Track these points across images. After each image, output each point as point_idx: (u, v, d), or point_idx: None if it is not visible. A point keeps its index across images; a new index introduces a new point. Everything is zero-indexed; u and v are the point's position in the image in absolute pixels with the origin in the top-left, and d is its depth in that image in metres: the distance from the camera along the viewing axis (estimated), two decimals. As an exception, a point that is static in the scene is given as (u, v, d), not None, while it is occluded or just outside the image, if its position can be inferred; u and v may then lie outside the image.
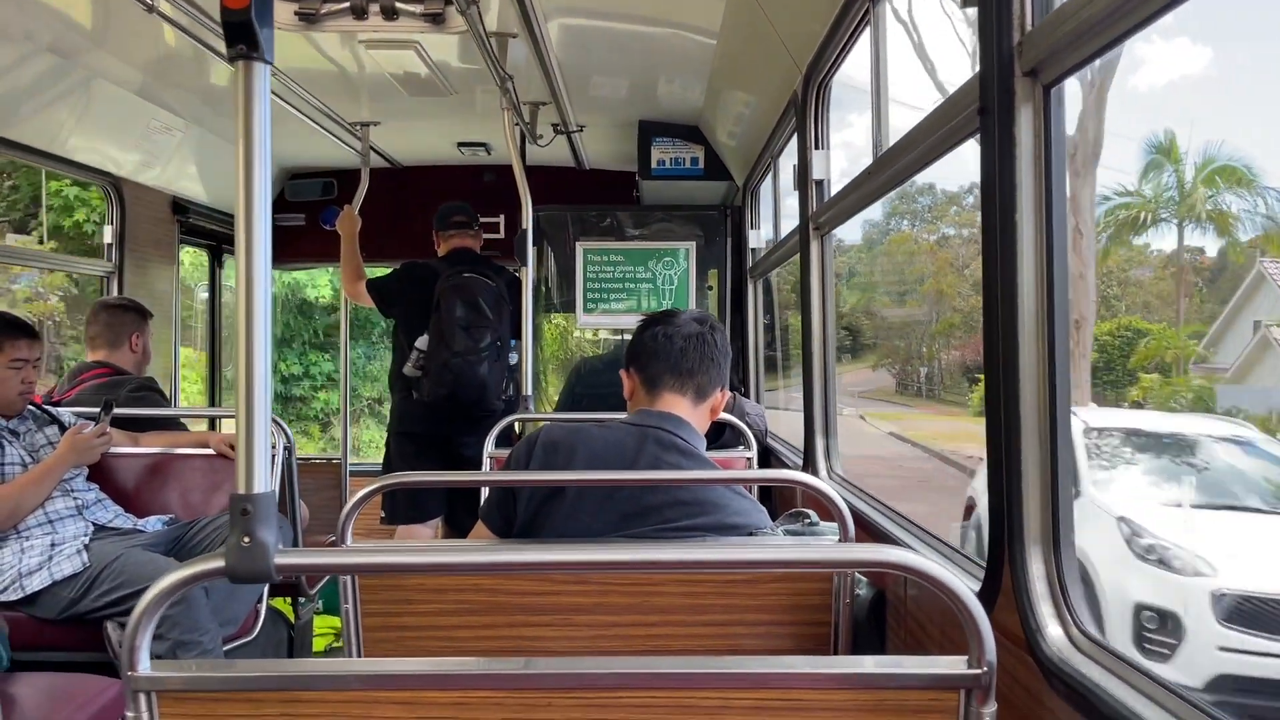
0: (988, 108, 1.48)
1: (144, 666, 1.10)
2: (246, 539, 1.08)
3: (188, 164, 4.96)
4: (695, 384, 1.97)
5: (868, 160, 2.41)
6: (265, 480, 1.10)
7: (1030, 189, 1.39)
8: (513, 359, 4.27)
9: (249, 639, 3.27)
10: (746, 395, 4.79)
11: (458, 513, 4.39)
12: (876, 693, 1.13)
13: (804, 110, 3.07)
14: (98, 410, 3.40)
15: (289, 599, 4.02)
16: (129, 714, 1.12)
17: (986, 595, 1.51)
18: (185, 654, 2.88)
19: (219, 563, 1.09)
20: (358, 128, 4.82)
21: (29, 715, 2.29)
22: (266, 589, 3.38)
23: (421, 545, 3.98)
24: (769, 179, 4.57)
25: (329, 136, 4.97)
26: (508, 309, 4.18)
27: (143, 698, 1.11)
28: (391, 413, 4.49)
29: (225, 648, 3.12)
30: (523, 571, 1.73)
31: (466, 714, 1.13)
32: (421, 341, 4.18)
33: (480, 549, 1.20)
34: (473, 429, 4.12)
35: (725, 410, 3.38)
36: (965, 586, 1.09)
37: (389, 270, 4.62)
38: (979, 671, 1.09)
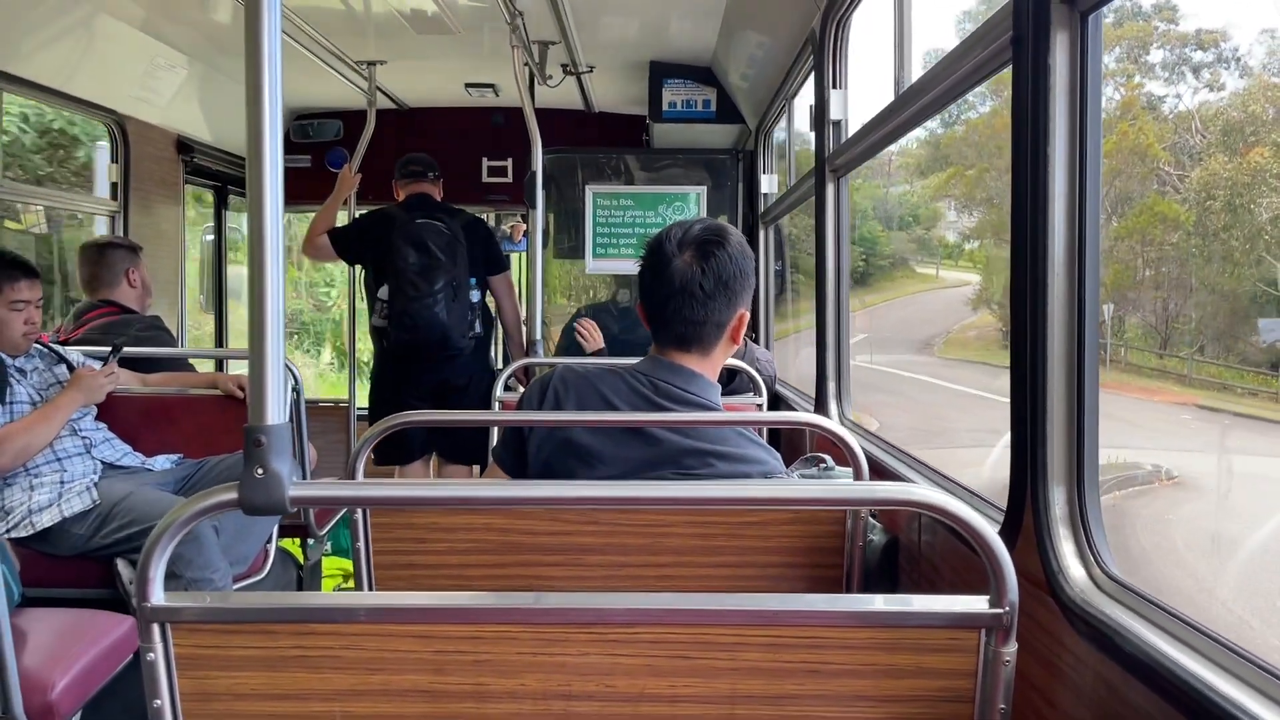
0: (1021, 36, 1.43)
1: (158, 597, 1.09)
2: (260, 470, 1.07)
3: (192, 102, 4.90)
4: (697, 339, 1.85)
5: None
6: (279, 412, 1.08)
7: (1064, 123, 1.35)
8: (474, 297, 4.29)
9: (259, 578, 3.29)
10: (757, 342, 4.75)
11: (453, 450, 4.46)
12: (895, 631, 1.12)
13: (822, 48, 3.01)
14: (106, 351, 3.40)
15: (298, 540, 4.04)
16: (142, 644, 1.11)
17: (1007, 535, 1.49)
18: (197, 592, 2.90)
19: (232, 494, 1.08)
20: (364, 67, 4.75)
21: (41, 650, 2.30)
22: (276, 529, 3.39)
23: (436, 481, 4.02)
24: (782, 122, 4.50)
25: (336, 76, 4.90)
26: (462, 250, 4.20)
27: (155, 628, 1.10)
28: (374, 360, 4.53)
29: (235, 587, 3.14)
30: (536, 506, 1.72)
31: (482, 647, 1.13)
32: (383, 292, 4.22)
33: (497, 485, 1.19)
34: (448, 364, 4.23)
35: (736, 357, 3.36)
36: (988, 526, 1.07)
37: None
38: (1000, 611, 1.07)
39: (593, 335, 3.99)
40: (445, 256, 4.13)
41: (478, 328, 4.31)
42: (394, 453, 4.38)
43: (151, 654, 1.10)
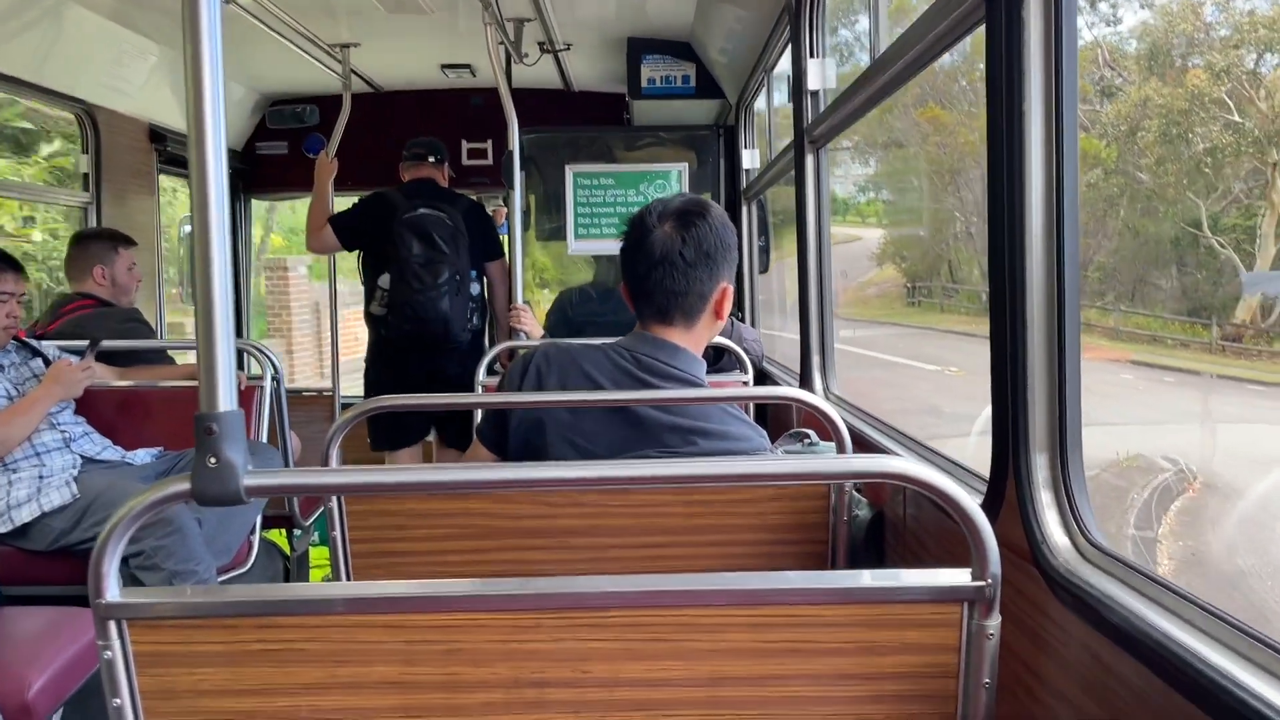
0: None
1: (112, 593, 1.06)
2: (213, 460, 1.03)
3: (163, 90, 4.82)
4: (680, 311, 1.82)
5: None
6: (230, 399, 1.04)
7: (1040, 81, 1.31)
8: (474, 290, 4.30)
9: (243, 570, 3.27)
10: (743, 320, 4.72)
11: (447, 433, 4.47)
12: (877, 607, 1.09)
13: (798, 16, 2.96)
14: (83, 345, 3.36)
15: (284, 531, 4.01)
16: (99, 642, 1.07)
17: (990, 507, 1.46)
18: (181, 584, 2.87)
19: (185, 485, 1.04)
20: (337, 50, 4.68)
21: (18, 649, 2.27)
22: (259, 519, 3.36)
23: (401, 466, 4.01)
24: (763, 96, 4.45)
25: (309, 60, 4.83)
26: (464, 242, 4.19)
27: (112, 625, 1.06)
28: (368, 345, 4.50)
29: (220, 579, 3.12)
30: (508, 489, 1.69)
31: (451, 636, 1.09)
32: (384, 280, 4.21)
33: (464, 468, 1.15)
34: (445, 355, 4.23)
35: (723, 336, 3.32)
36: (968, 496, 1.05)
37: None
38: (982, 584, 1.05)
39: (529, 323, 3.90)
40: (449, 249, 4.12)
41: (475, 320, 4.31)
42: (391, 437, 4.39)
43: (109, 652, 1.07)
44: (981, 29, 1.44)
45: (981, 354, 1.37)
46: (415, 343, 4.18)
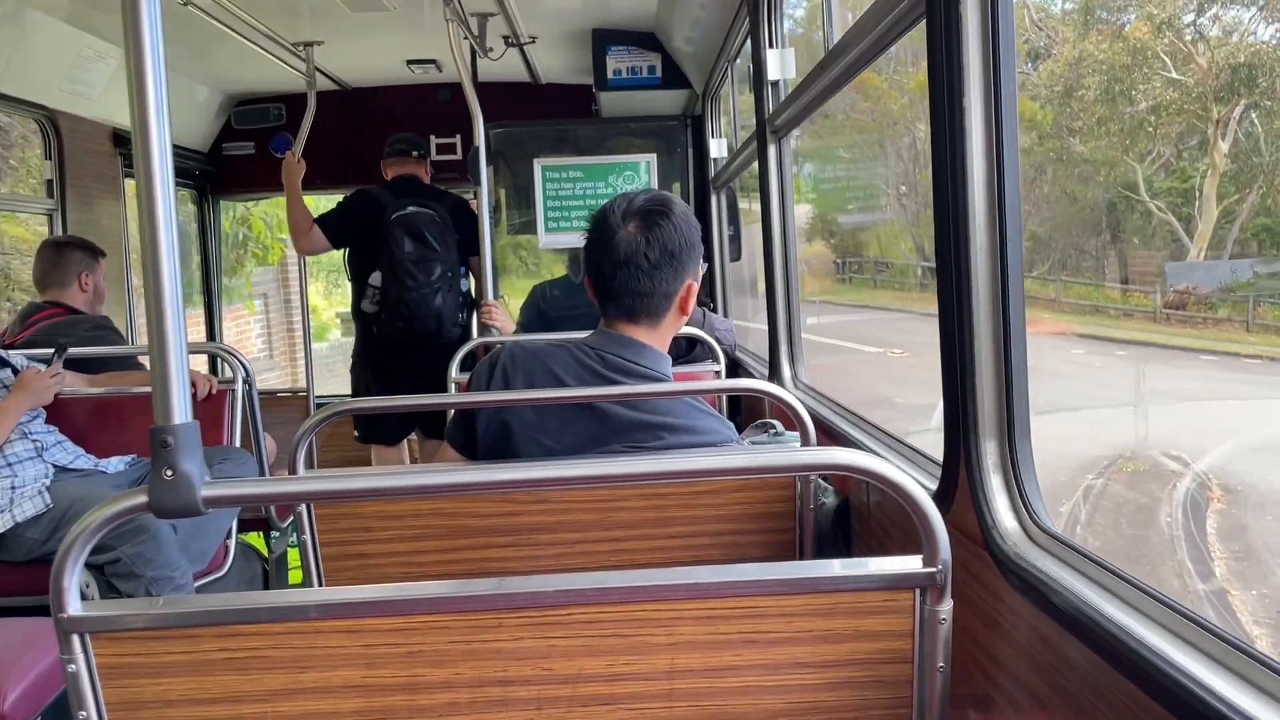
0: None
1: (74, 607, 1.07)
2: (169, 472, 1.03)
3: (125, 93, 4.78)
4: (644, 310, 1.82)
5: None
6: (185, 410, 1.05)
7: (978, 70, 1.33)
8: (464, 285, 4.35)
9: (220, 574, 3.26)
10: (714, 310, 4.73)
11: (430, 427, 4.50)
12: (830, 596, 1.11)
13: (757, 7, 2.97)
14: (51, 352, 3.33)
15: (262, 534, 4.00)
16: (62, 656, 1.08)
17: (943, 495, 1.49)
18: (159, 591, 2.88)
19: (142, 498, 1.05)
20: (301, 48, 4.65)
21: (-7, 661, 2.26)
22: (235, 524, 3.35)
23: (365, 471, 4.00)
24: (728, 85, 4.46)
25: (273, 60, 4.80)
26: (453, 239, 4.25)
27: (75, 639, 1.07)
28: (356, 340, 4.53)
29: (197, 584, 3.11)
30: (473, 491, 1.70)
31: (413, 639, 1.11)
32: (375, 278, 4.24)
33: (428, 472, 1.15)
34: (435, 352, 4.22)
35: (693, 325, 3.34)
36: (918, 485, 1.07)
37: (339, 199, 4.55)
38: (933, 570, 1.07)
39: (501, 318, 3.91)
40: (440, 247, 4.18)
41: (464, 316, 4.37)
42: (376, 434, 4.45)
43: (73, 665, 1.08)
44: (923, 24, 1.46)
45: (924, 333, 1.40)
46: (407, 339, 4.22)
